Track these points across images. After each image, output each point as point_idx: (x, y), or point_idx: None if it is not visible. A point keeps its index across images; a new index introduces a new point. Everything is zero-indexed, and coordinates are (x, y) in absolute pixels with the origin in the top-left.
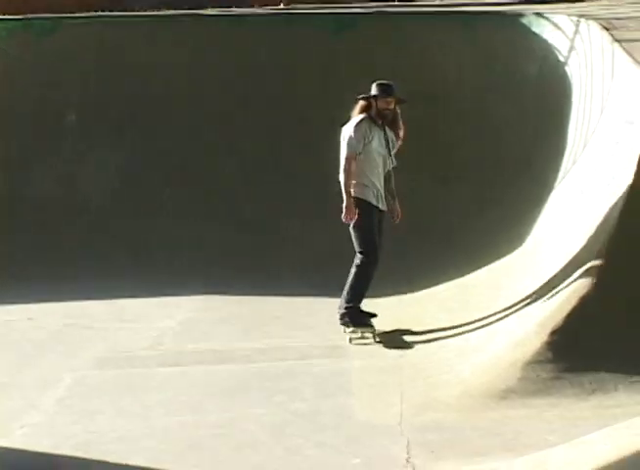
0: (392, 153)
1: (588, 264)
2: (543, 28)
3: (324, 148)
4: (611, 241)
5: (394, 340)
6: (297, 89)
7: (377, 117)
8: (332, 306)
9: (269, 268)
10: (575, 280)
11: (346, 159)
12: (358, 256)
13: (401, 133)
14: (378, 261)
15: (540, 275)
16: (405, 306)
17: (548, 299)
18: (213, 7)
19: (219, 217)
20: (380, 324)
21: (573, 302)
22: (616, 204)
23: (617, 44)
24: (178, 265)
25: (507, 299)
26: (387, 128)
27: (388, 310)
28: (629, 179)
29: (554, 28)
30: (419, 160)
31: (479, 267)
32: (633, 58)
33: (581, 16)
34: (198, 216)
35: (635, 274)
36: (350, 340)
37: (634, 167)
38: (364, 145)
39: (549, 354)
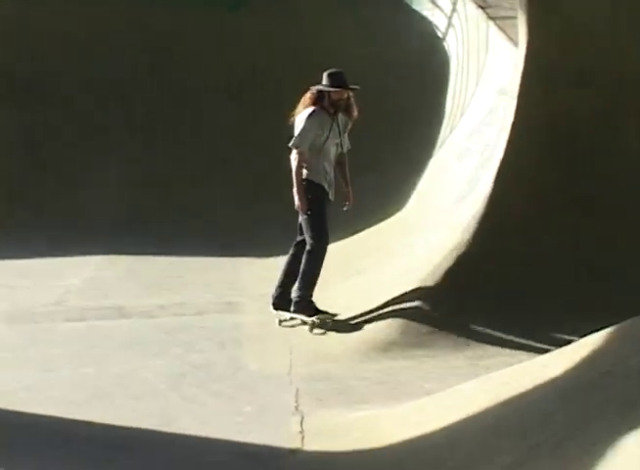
0: (345, 136)
1: (466, 225)
2: (423, 6)
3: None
4: (487, 204)
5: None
6: (192, 61)
7: (329, 108)
8: (231, 266)
9: (175, 230)
10: (454, 239)
11: (298, 152)
12: (309, 242)
13: (355, 113)
14: (326, 249)
15: (421, 235)
16: None
17: (428, 257)
18: None
19: (128, 180)
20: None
21: (451, 260)
22: (491, 169)
23: (491, 21)
24: (84, 226)
25: (391, 257)
26: (339, 115)
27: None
28: (502, 146)
29: (433, 6)
30: None
31: (365, 228)
32: (506, 34)
33: None
34: (106, 179)
35: (509, 234)
36: (280, 322)
37: (506, 135)
38: (316, 137)
39: (428, 309)
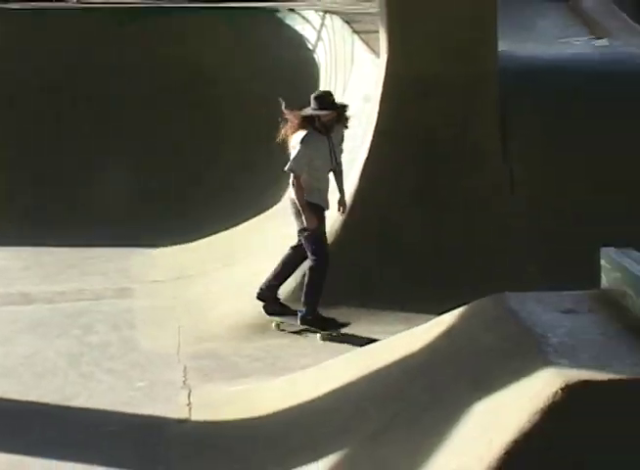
0: (340, 149)
1: (335, 217)
2: (295, 21)
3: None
4: (353, 199)
5: (174, 282)
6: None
7: (322, 129)
8: (124, 255)
9: (80, 221)
10: (331, 230)
11: (295, 177)
12: (312, 259)
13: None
14: (328, 263)
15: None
16: (187, 253)
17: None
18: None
19: (33, 172)
20: (166, 270)
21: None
22: (356, 168)
23: (356, 35)
24: None
25: (268, 247)
26: (332, 134)
27: (172, 258)
28: (366, 148)
29: (304, 21)
30: (192, 131)
31: (243, 221)
32: (369, 46)
33: (326, 11)
34: (12, 176)
35: (371, 227)
36: (278, 325)
37: (370, 138)
38: (311, 160)
39: (302, 293)
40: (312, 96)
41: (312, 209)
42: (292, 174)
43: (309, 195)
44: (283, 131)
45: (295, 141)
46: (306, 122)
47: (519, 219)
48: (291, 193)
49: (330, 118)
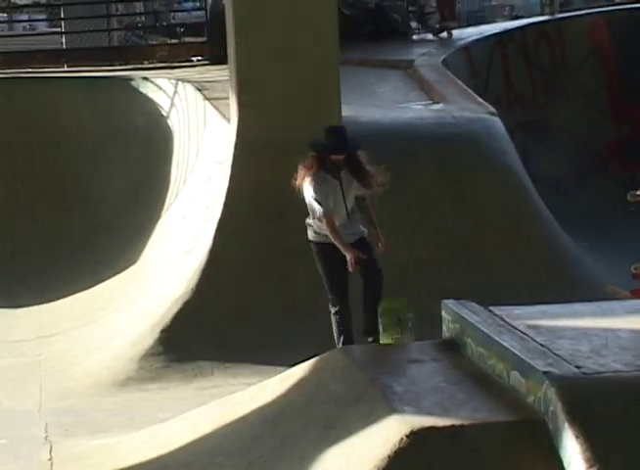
0: (352, 188)
1: (190, 276)
2: (149, 89)
3: None
4: (207, 257)
5: (36, 341)
6: None
7: (331, 167)
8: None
9: None
10: (181, 289)
11: (327, 224)
12: (329, 298)
13: (376, 179)
14: (347, 307)
15: (153, 285)
16: (49, 313)
17: (160, 305)
18: None
19: None
20: (28, 329)
21: (179, 306)
22: (210, 227)
23: (207, 101)
24: None
25: (126, 306)
26: (343, 172)
27: (34, 317)
28: (220, 208)
29: (157, 89)
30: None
31: (104, 280)
32: (220, 112)
33: (179, 79)
34: None
35: (226, 282)
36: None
37: (223, 199)
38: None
39: (160, 349)
40: (326, 130)
41: (316, 249)
42: (326, 227)
43: (319, 235)
44: (297, 180)
45: (305, 188)
46: (316, 162)
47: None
48: (311, 235)
49: (337, 160)
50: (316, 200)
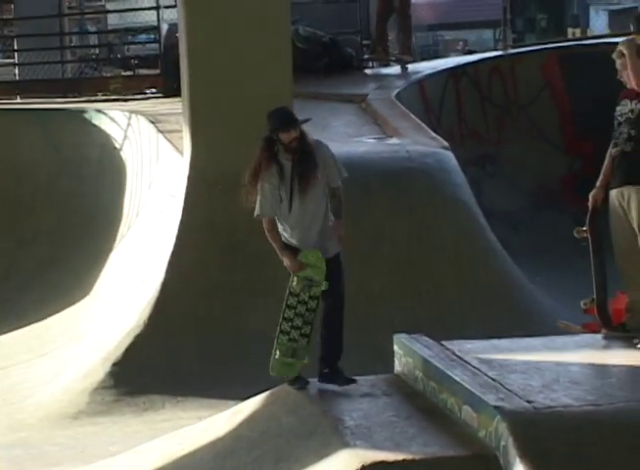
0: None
1: (143, 308)
2: (102, 121)
3: None
4: (160, 289)
5: None
6: None
7: (286, 153)
8: None
9: None
10: (133, 320)
11: (265, 227)
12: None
13: (309, 187)
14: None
15: (104, 318)
16: None
17: (111, 337)
18: None
19: None
20: None
21: (130, 339)
22: (163, 260)
23: (161, 134)
24: None
25: (77, 337)
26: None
27: None
28: (172, 240)
29: (111, 121)
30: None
31: (55, 312)
32: (173, 145)
33: (133, 112)
34: None
35: (178, 314)
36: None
37: (176, 231)
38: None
39: (111, 382)
40: (270, 113)
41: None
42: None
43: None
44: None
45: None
46: (266, 151)
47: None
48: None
49: (290, 139)
50: (260, 199)
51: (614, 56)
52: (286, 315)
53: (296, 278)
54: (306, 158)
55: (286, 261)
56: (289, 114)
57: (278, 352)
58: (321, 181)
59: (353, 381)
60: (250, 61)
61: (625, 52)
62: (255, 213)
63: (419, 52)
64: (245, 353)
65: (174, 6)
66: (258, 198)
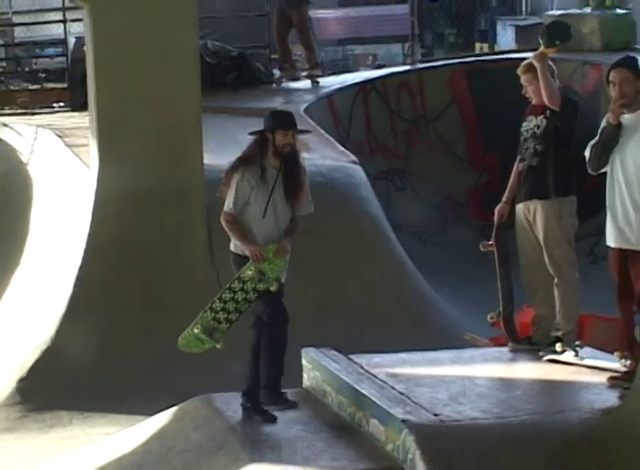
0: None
1: (49, 324)
2: (7, 135)
3: None
4: (68, 305)
5: None
6: None
7: (274, 158)
8: None
9: None
10: (38, 337)
11: (223, 219)
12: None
13: (299, 205)
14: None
15: (9, 335)
16: None
17: (16, 353)
18: None
19: None
20: None
21: (36, 355)
22: (70, 276)
23: (68, 149)
24: None
25: None
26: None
27: None
28: (80, 256)
29: (17, 135)
30: None
31: None
32: (81, 159)
33: (40, 126)
34: None
35: (86, 330)
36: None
37: (83, 247)
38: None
39: (17, 398)
40: (269, 114)
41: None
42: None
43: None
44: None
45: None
46: (256, 148)
47: None
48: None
49: (286, 142)
50: (233, 193)
51: (519, 71)
52: (223, 296)
53: (250, 269)
54: (297, 169)
55: (250, 248)
56: (290, 116)
57: (198, 327)
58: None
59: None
60: (157, 75)
61: (537, 65)
62: (227, 207)
63: (329, 66)
64: (152, 370)
65: (81, 19)
66: (232, 193)
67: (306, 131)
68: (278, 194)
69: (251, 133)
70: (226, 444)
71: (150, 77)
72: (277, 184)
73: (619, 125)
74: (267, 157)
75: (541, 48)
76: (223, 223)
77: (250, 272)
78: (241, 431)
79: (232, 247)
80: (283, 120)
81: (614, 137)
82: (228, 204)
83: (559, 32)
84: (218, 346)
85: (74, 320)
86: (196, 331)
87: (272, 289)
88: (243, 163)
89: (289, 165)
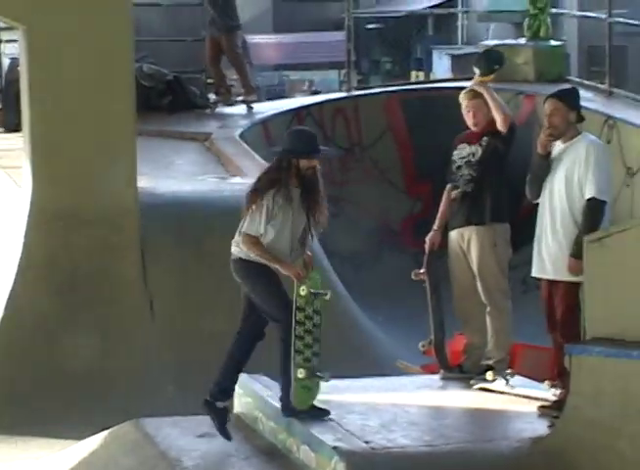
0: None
1: None
2: None
3: None
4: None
5: None
6: None
7: (295, 178)
8: None
9: None
10: None
11: (245, 241)
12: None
13: (322, 218)
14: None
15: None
16: None
17: None
18: None
19: None
20: None
21: None
22: (2, 298)
23: (1, 170)
24: None
25: None
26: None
27: None
28: (12, 278)
29: None
30: None
31: None
32: (14, 180)
33: None
34: None
35: (18, 354)
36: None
37: (15, 268)
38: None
39: None
40: (291, 133)
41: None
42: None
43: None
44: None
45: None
46: (278, 173)
47: (158, 345)
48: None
49: (309, 166)
50: (264, 218)
51: (465, 98)
52: (297, 333)
53: (303, 290)
54: (317, 185)
55: (287, 270)
56: (315, 140)
57: (301, 375)
58: None
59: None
60: (92, 97)
61: (483, 91)
62: (255, 232)
63: (265, 92)
64: (83, 393)
65: (16, 40)
66: (262, 217)
67: (332, 152)
68: (298, 211)
69: (275, 153)
70: (156, 469)
71: (84, 99)
72: (298, 202)
73: (548, 156)
74: (290, 178)
75: (477, 77)
76: (248, 246)
77: (302, 294)
78: (171, 456)
79: (243, 255)
80: (308, 148)
81: (541, 167)
82: (257, 229)
83: (494, 59)
84: (326, 380)
85: (6, 342)
86: (300, 376)
87: (327, 298)
88: (271, 186)
89: (308, 183)
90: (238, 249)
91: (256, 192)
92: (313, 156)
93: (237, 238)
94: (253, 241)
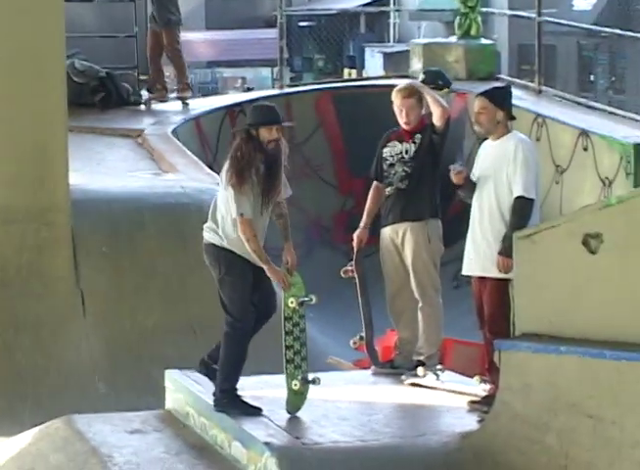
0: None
1: None
2: None
3: None
4: None
5: None
6: None
7: (257, 155)
8: None
9: None
10: None
11: (244, 230)
12: (227, 320)
13: (283, 191)
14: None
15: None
16: None
17: None
18: None
19: None
20: None
21: None
22: None
23: None
24: None
25: None
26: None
27: None
28: None
29: None
30: None
31: None
32: None
33: None
34: None
35: None
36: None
37: None
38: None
39: None
40: (252, 107)
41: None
42: (241, 230)
43: (232, 243)
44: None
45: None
46: (244, 145)
47: (89, 340)
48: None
49: (270, 138)
50: (237, 196)
51: (400, 95)
52: (287, 343)
53: (291, 303)
54: (279, 161)
55: (276, 276)
56: (274, 111)
57: (296, 383)
58: None
59: None
60: (23, 93)
61: (422, 90)
62: (238, 212)
63: (198, 88)
64: (14, 389)
65: None
66: (243, 196)
67: (289, 125)
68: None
69: (235, 131)
70: (86, 466)
71: (15, 95)
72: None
73: (464, 185)
74: (256, 151)
75: (420, 82)
76: (246, 232)
77: (290, 306)
78: (102, 452)
79: (216, 241)
80: (266, 117)
81: (462, 190)
82: (246, 210)
83: (443, 79)
84: (317, 383)
85: None
86: (295, 388)
87: (314, 302)
88: (247, 164)
89: (271, 158)
90: (211, 234)
91: (235, 173)
92: (271, 125)
93: (209, 224)
94: (249, 232)
